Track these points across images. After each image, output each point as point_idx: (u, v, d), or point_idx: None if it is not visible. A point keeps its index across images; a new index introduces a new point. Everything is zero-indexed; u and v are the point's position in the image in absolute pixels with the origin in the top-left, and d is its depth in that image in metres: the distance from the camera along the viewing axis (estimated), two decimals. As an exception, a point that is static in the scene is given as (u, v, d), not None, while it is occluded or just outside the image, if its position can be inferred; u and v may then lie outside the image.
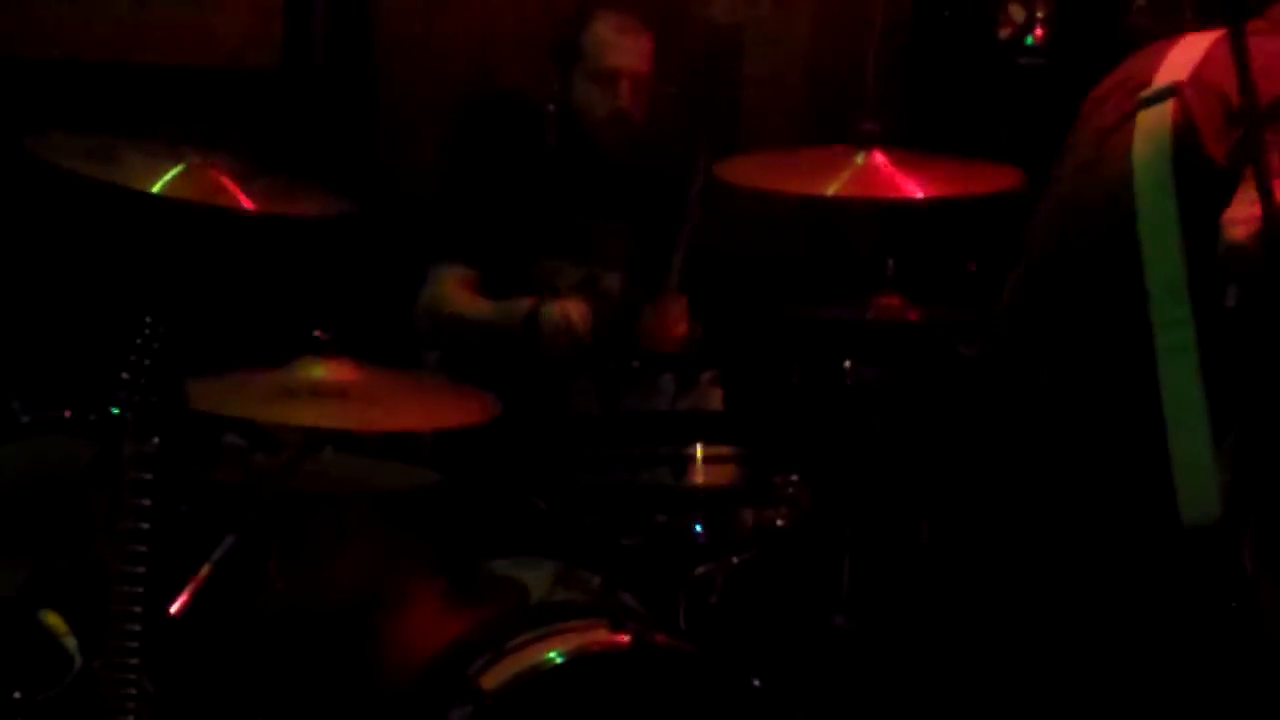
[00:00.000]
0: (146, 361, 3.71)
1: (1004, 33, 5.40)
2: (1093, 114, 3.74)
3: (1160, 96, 3.53)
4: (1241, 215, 3.27)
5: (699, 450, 4.52)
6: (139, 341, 3.72)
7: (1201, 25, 3.66)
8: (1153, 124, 3.50)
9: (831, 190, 4.40)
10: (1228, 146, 3.39)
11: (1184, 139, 3.43)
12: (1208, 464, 3.34)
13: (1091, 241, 3.61)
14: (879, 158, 4.44)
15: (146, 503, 3.71)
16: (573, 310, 4.76)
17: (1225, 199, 3.33)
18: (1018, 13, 5.40)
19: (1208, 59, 3.52)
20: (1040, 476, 3.73)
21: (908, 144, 4.52)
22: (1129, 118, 3.56)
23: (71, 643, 4.16)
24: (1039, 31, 5.44)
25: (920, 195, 4.38)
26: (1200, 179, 3.41)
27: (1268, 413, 3.38)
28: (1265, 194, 3.17)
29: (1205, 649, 3.48)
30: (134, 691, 3.73)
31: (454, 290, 4.98)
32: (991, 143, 4.69)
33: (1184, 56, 3.58)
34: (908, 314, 4.60)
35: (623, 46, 5.01)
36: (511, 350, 4.76)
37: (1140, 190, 3.48)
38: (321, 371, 4.06)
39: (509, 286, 4.97)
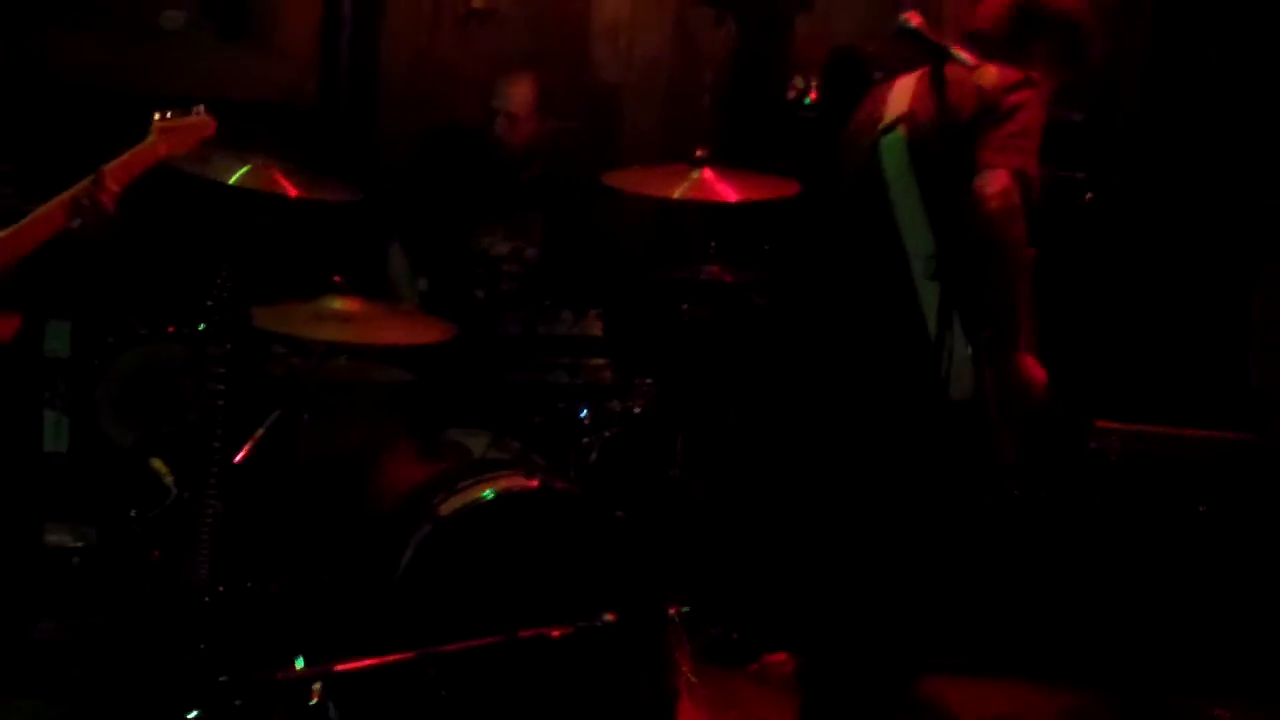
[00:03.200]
0: (224, 295, 3.73)
1: (790, 95, 5.39)
2: (850, 143, 3.76)
3: (894, 125, 3.58)
4: (989, 191, 3.36)
5: (585, 361, 4.55)
6: (219, 281, 3.74)
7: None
8: (893, 143, 3.55)
9: (677, 194, 4.38)
10: (945, 144, 3.42)
11: (915, 147, 3.48)
12: (964, 360, 3.40)
13: (866, 227, 3.61)
14: (708, 173, 4.42)
15: (221, 388, 3.74)
16: None
17: (957, 176, 3.39)
18: (800, 82, 5.38)
19: (916, 96, 3.58)
20: (829, 374, 3.72)
21: (726, 165, 4.51)
22: (876, 142, 3.60)
23: (169, 479, 4.17)
24: (813, 94, 5.43)
25: (734, 198, 4.36)
26: (932, 168, 3.47)
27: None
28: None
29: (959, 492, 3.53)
30: (211, 511, 3.77)
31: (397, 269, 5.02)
32: (780, 165, 4.68)
33: (899, 99, 3.64)
34: (724, 277, 4.59)
35: (507, 95, 4.97)
36: None
37: (892, 189, 3.52)
38: (338, 304, 4.06)
39: (455, 252, 4.98)
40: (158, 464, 4.20)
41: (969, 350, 3.43)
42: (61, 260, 3.71)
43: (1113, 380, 5.10)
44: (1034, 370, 3.57)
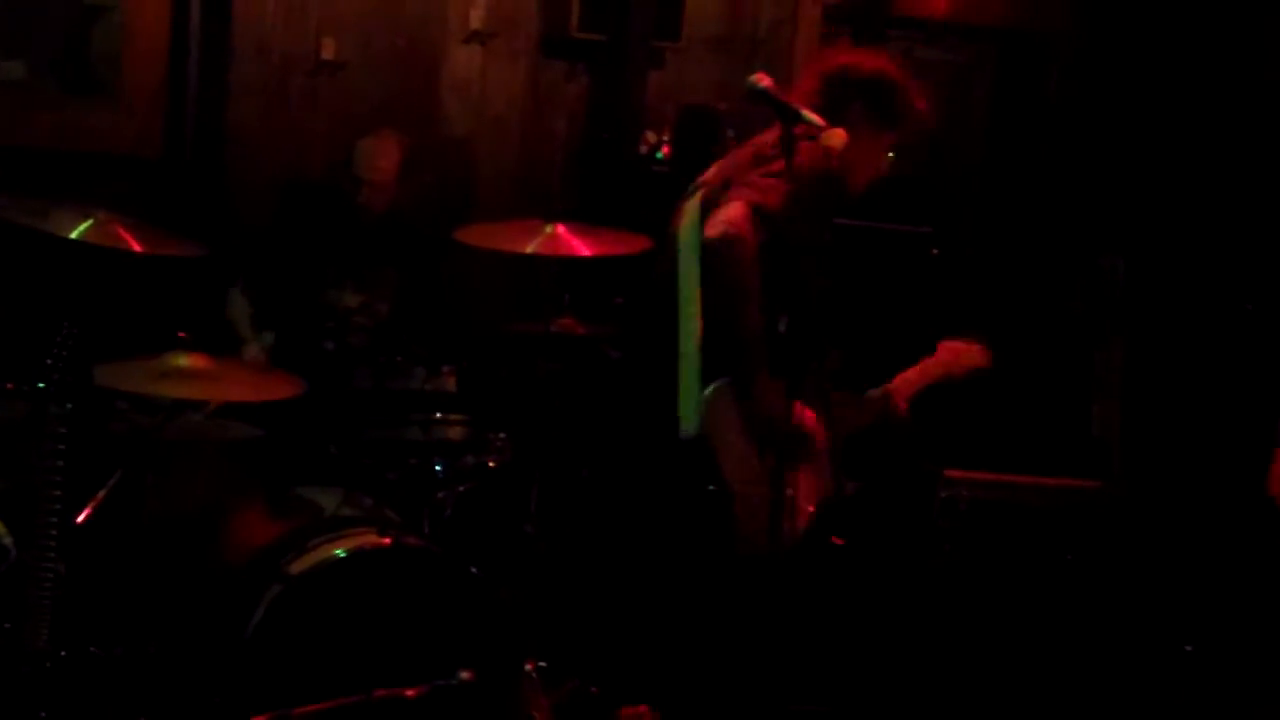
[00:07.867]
0: (64, 352, 3.62)
1: (643, 149, 5.42)
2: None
3: (694, 190, 3.78)
4: (711, 220, 3.63)
5: (439, 417, 4.53)
6: (60, 338, 3.64)
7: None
8: (691, 206, 3.76)
9: (529, 249, 4.38)
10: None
11: (704, 207, 3.69)
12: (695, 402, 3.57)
13: (665, 281, 3.76)
14: (561, 228, 4.43)
15: (62, 447, 3.63)
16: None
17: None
18: (651, 137, 5.42)
19: (721, 165, 3.80)
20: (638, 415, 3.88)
21: (579, 220, 4.51)
22: (685, 203, 3.79)
23: (8, 541, 4.04)
24: (665, 149, 5.47)
25: (587, 253, 4.39)
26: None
27: None
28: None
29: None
30: (50, 573, 3.66)
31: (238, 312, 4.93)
32: (632, 220, 4.70)
33: (713, 169, 3.83)
34: (577, 330, 4.58)
35: (372, 164, 4.98)
36: None
37: (681, 250, 3.69)
38: (184, 360, 3.95)
39: (304, 305, 4.91)
40: (-4, 525, 4.07)
41: (706, 388, 3.62)
42: None
43: (961, 431, 5.17)
44: (774, 398, 3.62)
